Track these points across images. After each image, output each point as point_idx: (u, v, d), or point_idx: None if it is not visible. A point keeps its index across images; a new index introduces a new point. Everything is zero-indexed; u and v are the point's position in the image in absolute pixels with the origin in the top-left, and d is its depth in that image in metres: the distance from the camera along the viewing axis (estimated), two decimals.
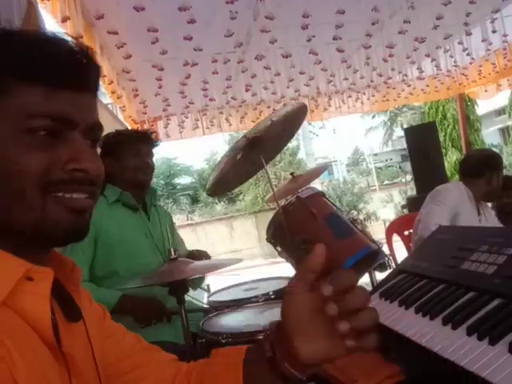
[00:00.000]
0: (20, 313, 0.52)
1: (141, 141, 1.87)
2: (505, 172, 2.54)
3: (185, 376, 0.75)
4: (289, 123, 1.59)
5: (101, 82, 0.65)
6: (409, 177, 13.09)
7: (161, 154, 9.90)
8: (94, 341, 0.66)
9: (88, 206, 0.59)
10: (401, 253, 2.77)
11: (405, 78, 4.87)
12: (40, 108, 0.54)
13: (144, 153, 1.86)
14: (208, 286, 2.22)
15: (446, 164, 6.12)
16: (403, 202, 10.20)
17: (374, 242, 1.52)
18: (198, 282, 2.02)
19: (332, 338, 0.56)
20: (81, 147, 0.57)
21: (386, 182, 19.66)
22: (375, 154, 25.19)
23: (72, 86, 0.56)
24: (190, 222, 14.31)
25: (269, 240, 1.60)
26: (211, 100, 4.34)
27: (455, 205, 2.32)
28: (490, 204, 2.68)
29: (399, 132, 20.83)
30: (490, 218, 2.50)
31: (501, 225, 2.59)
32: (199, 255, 1.92)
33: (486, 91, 5.79)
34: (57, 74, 0.55)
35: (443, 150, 6.91)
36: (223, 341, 1.42)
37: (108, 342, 0.74)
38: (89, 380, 0.62)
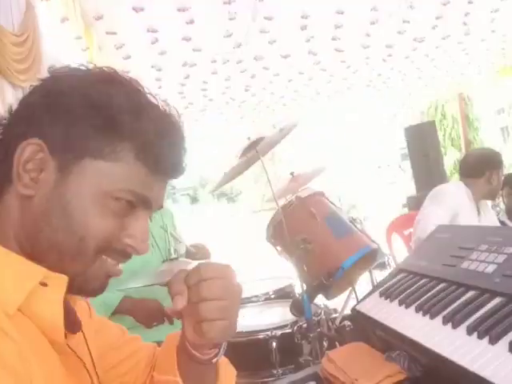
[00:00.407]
0: (33, 318, 0.53)
1: None
2: (505, 171, 2.51)
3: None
4: (288, 125, 1.60)
5: None
6: (408, 176, 13.09)
7: None
8: (91, 348, 0.66)
9: (117, 274, 0.62)
10: (400, 252, 2.78)
11: (404, 77, 4.87)
12: (138, 187, 0.57)
13: None
14: None
15: (445, 163, 6.12)
16: (403, 202, 10.21)
17: (373, 241, 1.52)
18: None
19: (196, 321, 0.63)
20: (143, 227, 0.60)
21: (386, 181, 19.67)
22: (375, 154, 25.20)
23: (168, 175, 0.62)
24: (189, 221, 14.32)
25: (269, 239, 1.60)
26: (210, 100, 4.35)
27: (455, 205, 2.32)
28: (489, 203, 2.68)
29: (399, 131, 20.84)
30: (489, 217, 2.49)
31: (499, 224, 2.59)
32: (197, 251, 1.92)
33: (485, 90, 5.79)
34: (164, 168, 0.60)
35: (443, 150, 6.91)
36: None
37: (97, 336, 0.74)
38: None
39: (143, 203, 0.59)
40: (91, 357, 0.66)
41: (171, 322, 1.69)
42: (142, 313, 1.66)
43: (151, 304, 1.68)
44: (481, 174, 2.41)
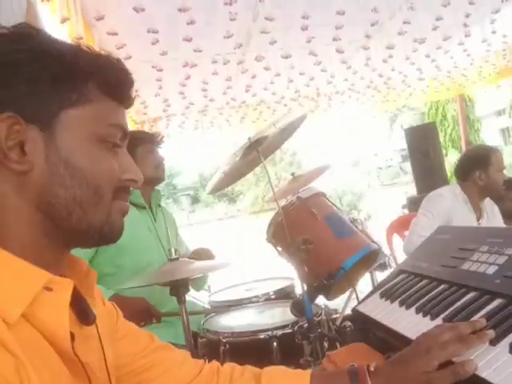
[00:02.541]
0: (37, 325, 0.52)
1: (154, 141, 1.97)
2: (505, 172, 2.48)
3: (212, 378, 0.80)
4: (289, 127, 1.60)
5: None
6: (409, 177, 13.09)
7: (161, 154, 9.87)
8: (105, 343, 0.66)
9: (128, 211, 0.65)
10: (401, 253, 2.77)
11: (405, 78, 4.87)
12: (114, 119, 0.61)
13: (157, 152, 1.98)
14: (209, 286, 2.22)
15: (446, 164, 6.11)
16: (403, 202, 10.20)
17: (374, 242, 1.52)
18: (201, 284, 2.03)
19: None
20: (130, 159, 0.64)
21: (387, 181, 19.67)
22: (375, 154, 25.18)
23: (127, 104, 0.64)
24: (190, 221, 14.32)
25: (269, 240, 1.60)
26: (211, 101, 4.35)
27: (446, 211, 2.31)
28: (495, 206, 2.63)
29: (399, 132, 20.82)
30: (493, 220, 2.46)
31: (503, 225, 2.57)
32: (203, 255, 1.92)
33: (485, 92, 5.79)
34: (126, 94, 0.63)
35: (443, 151, 6.90)
36: (224, 340, 1.42)
37: (121, 343, 0.74)
38: None
39: (123, 136, 0.62)
40: (103, 351, 0.65)
41: (158, 322, 1.69)
42: (130, 312, 1.66)
43: (139, 303, 1.67)
44: (468, 176, 2.39)
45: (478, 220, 2.40)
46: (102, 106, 0.59)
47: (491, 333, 0.66)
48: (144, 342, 0.79)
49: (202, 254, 1.91)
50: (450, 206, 2.34)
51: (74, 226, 0.57)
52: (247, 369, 0.82)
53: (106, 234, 0.60)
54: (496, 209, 2.59)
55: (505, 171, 2.46)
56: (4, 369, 0.46)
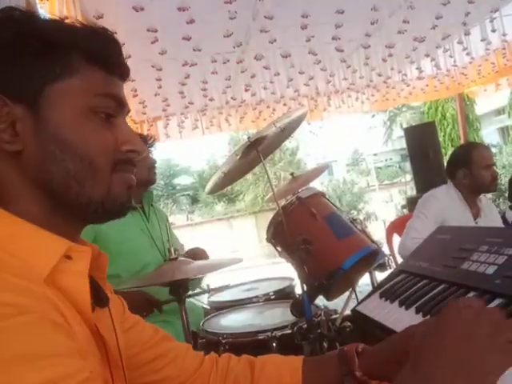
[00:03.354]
0: (61, 291, 0.53)
1: (146, 144, 1.96)
2: (504, 172, 2.48)
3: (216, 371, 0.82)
4: (288, 125, 1.59)
5: None
6: (408, 176, 13.10)
7: (160, 154, 9.94)
8: (117, 328, 0.67)
9: (134, 184, 0.64)
10: None
11: (404, 77, 4.86)
12: (104, 89, 0.60)
13: (149, 154, 1.97)
14: (208, 286, 2.21)
15: (445, 164, 6.10)
16: (403, 202, 10.20)
17: (373, 242, 1.52)
18: (196, 283, 2.03)
19: None
20: (130, 130, 0.63)
21: (386, 181, 19.67)
22: (375, 154, 25.18)
23: (120, 74, 0.63)
24: (189, 222, 14.32)
25: (269, 240, 1.60)
26: (211, 100, 4.34)
27: (440, 212, 2.31)
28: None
29: (399, 132, 20.82)
30: (491, 218, 2.46)
31: (502, 224, 2.57)
32: (198, 254, 1.92)
33: (485, 91, 5.79)
34: (114, 62, 0.61)
35: (443, 150, 6.90)
36: (223, 341, 1.42)
37: (129, 333, 0.75)
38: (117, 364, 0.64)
39: (118, 105, 0.62)
40: (116, 335, 0.66)
41: (160, 311, 1.69)
42: (130, 304, 1.66)
43: (138, 296, 1.68)
44: (454, 175, 2.41)
45: (475, 219, 2.39)
46: (89, 76, 0.58)
47: None
48: (149, 333, 0.80)
49: (196, 254, 1.91)
50: (445, 206, 2.33)
51: (74, 201, 0.58)
52: (243, 357, 0.85)
53: (109, 209, 0.60)
54: (494, 207, 2.59)
55: (504, 170, 2.45)
56: (55, 317, 0.48)
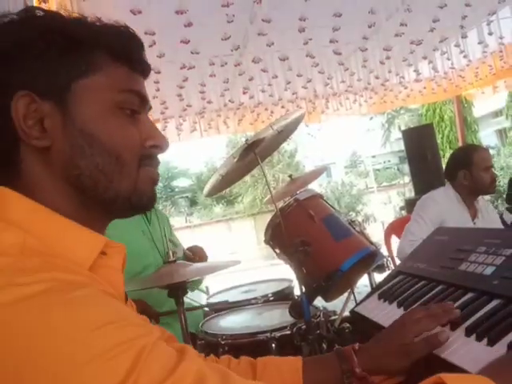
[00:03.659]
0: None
1: None
2: (502, 173, 2.50)
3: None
4: (286, 128, 1.60)
5: None
6: (407, 178, 13.12)
7: (159, 156, 9.90)
8: None
9: (159, 179, 0.66)
10: None
11: (402, 80, 4.88)
12: (128, 85, 0.61)
13: None
14: (207, 287, 2.22)
15: (443, 165, 6.11)
16: (401, 204, 10.21)
17: (372, 243, 1.52)
18: (195, 284, 2.03)
19: None
20: (154, 126, 0.64)
21: (384, 183, 19.69)
22: (373, 156, 25.20)
23: (142, 71, 0.64)
24: (188, 224, 14.30)
25: (267, 242, 1.60)
26: (209, 103, 4.34)
27: (438, 214, 2.32)
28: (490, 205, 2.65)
29: (397, 134, 20.85)
30: (488, 218, 2.47)
31: (500, 225, 2.58)
32: (196, 253, 1.92)
33: (482, 93, 5.80)
34: (136, 58, 0.62)
35: (441, 152, 6.91)
36: (222, 342, 1.42)
37: None
38: None
39: (142, 102, 0.62)
40: None
41: (157, 322, 1.69)
42: None
43: (137, 304, 1.67)
44: (455, 176, 2.42)
45: (473, 220, 2.40)
46: (113, 73, 0.59)
47: (457, 312, 0.76)
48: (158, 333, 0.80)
49: (195, 252, 1.91)
50: (443, 208, 2.34)
51: (102, 195, 0.58)
52: (242, 359, 0.87)
53: (135, 203, 0.61)
54: (491, 207, 2.60)
55: (502, 171, 2.47)
56: (111, 292, 0.50)
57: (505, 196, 3.46)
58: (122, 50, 0.60)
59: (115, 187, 0.59)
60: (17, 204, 0.54)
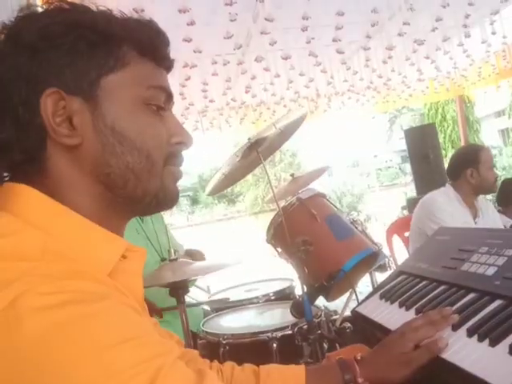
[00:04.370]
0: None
1: None
2: (504, 173, 2.49)
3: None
4: (288, 127, 1.60)
5: None
6: (409, 178, 13.10)
7: None
8: None
9: (181, 177, 0.65)
10: (401, 254, 2.77)
11: (404, 79, 4.87)
12: (155, 81, 0.60)
13: None
14: (208, 286, 2.21)
15: (445, 165, 6.10)
16: (403, 203, 10.19)
17: (374, 243, 1.52)
18: (191, 282, 2.02)
19: None
20: (178, 122, 0.63)
21: (386, 183, 19.68)
22: (375, 156, 25.18)
23: (167, 66, 0.63)
24: (189, 223, 14.31)
25: (269, 241, 1.60)
26: (211, 101, 4.34)
27: (444, 218, 2.30)
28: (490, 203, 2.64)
29: (399, 133, 20.83)
30: (488, 218, 2.46)
31: (501, 224, 2.57)
32: (194, 255, 1.92)
33: (485, 92, 5.79)
34: (162, 54, 0.61)
35: (443, 152, 6.90)
36: (224, 341, 1.42)
37: None
38: None
39: (167, 98, 0.61)
40: None
41: (161, 316, 1.69)
42: None
43: None
44: (459, 175, 2.40)
45: (475, 219, 2.40)
46: (140, 68, 0.58)
47: (456, 317, 0.76)
48: (165, 336, 0.80)
49: (194, 255, 1.91)
50: (446, 209, 2.33)
51: (131, 193, 0.58)
52: (246, 366, 0.86)
53: (162, 201, 0.61)
54: (491, 206, 2.59)
55: (504, 171, 2.47)
56: (132, 303, 0.50)
57: (496, 197, 3.44)
58: (149, 45, 0.59)
59: (144, 186, 0.58)
60: (37, 204, 0.53)
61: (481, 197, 2.49)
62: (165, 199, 0.61)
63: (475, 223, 2.37)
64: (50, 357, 0.40)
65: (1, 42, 0.55)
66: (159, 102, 0.60)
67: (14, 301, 0.41)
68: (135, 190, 0.57)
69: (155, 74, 0.60)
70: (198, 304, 1.88)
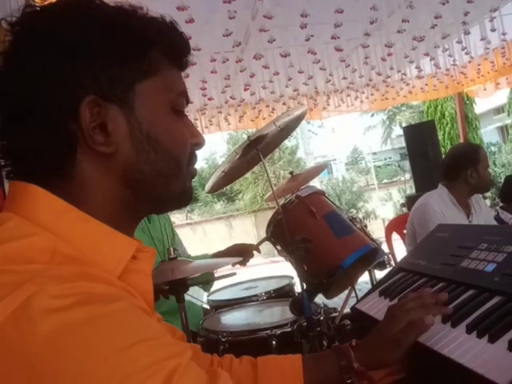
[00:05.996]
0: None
1: None
2: (504, 170, 2.48)
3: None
4: (288, 124, 1.60)
5: None
6: (408, 175, 13.09)
7: None
8: None
9: (196, 174, 0.65)
10: (400, 251, 2.78)
11: (403, 76, 4.87)
12: (181, 86, 0.60)
13: None
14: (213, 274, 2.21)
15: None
16: (402, 201, 10.20)
17: (373, 240, 1.52)
18: (209, 284, 2.01)
19: None
20: (193, 124, 0.63)
21: (385, 180, 19.68)
22: (374, 153, 25.18)
23: (184, 69, 0.63)
24: (189, 221, 14.30)
25: (268, 239, 1.60)
26: (210, 99, 4.34)
27: (439, 221, 2.28)
28: (482, 200, 2.62)
29: (398, 131, 20.82)
30: (481, 215, 2.44)
31: (493, 220, 2.56)
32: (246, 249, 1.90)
33: (484, 90, 5.79)
34: (184, 58, 0.61)
35: (442, 149, 6.90)
36: (223, 339, 1.42)
37: None
38: None
39: (187, 102, 0.62)
40: None
41: (167, 298, 1.69)
42: None
43: None
44: (458, 175, 2.34)
45: (468, 218, 2.38)
46: (168, 74, 0.58)
47: (449, 309, 0.78)
48: (169, 332, 0.80)
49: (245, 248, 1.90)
50: (441, 214, 2.30)
51: (156, 197, 0.58)
52: (243, 358, 0.87)
53: (182, 200, 0.62)
54: (483, 201, 2.56)
55: (504, 169, 2.46)
56: (142, 305, 0.50)
57: (499, 193, 3.43)
58: (175, 49, 0.59)
59: (171, 189, 0.59)
60: (47, 204, 0.51)
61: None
62: (185, 198, 0.62)
63: (469, 222, 2.36)
64: (63, 358, 0.40)
65: (30, 34, 0.52)
66: (183, 106, 0.60)
67: (25, 302, 0.41)
68: (162, 193, 0.58)
69: (179, 78, 0.60)
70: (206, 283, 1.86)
